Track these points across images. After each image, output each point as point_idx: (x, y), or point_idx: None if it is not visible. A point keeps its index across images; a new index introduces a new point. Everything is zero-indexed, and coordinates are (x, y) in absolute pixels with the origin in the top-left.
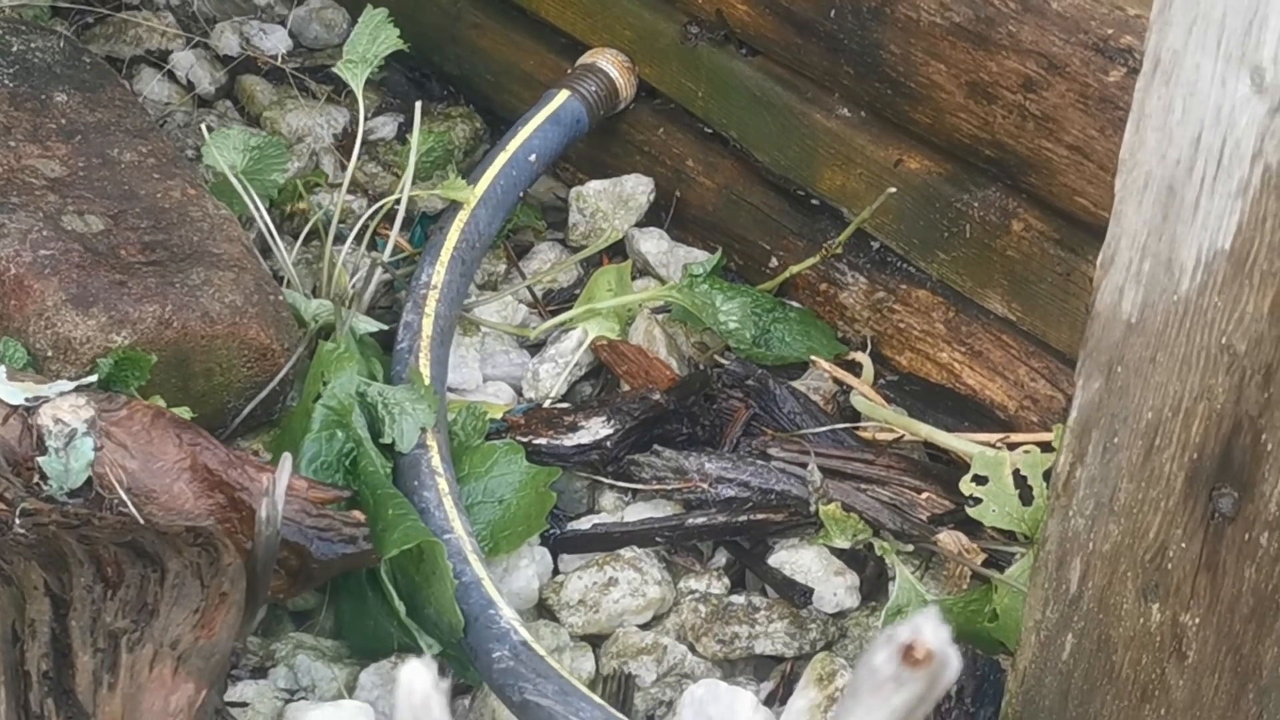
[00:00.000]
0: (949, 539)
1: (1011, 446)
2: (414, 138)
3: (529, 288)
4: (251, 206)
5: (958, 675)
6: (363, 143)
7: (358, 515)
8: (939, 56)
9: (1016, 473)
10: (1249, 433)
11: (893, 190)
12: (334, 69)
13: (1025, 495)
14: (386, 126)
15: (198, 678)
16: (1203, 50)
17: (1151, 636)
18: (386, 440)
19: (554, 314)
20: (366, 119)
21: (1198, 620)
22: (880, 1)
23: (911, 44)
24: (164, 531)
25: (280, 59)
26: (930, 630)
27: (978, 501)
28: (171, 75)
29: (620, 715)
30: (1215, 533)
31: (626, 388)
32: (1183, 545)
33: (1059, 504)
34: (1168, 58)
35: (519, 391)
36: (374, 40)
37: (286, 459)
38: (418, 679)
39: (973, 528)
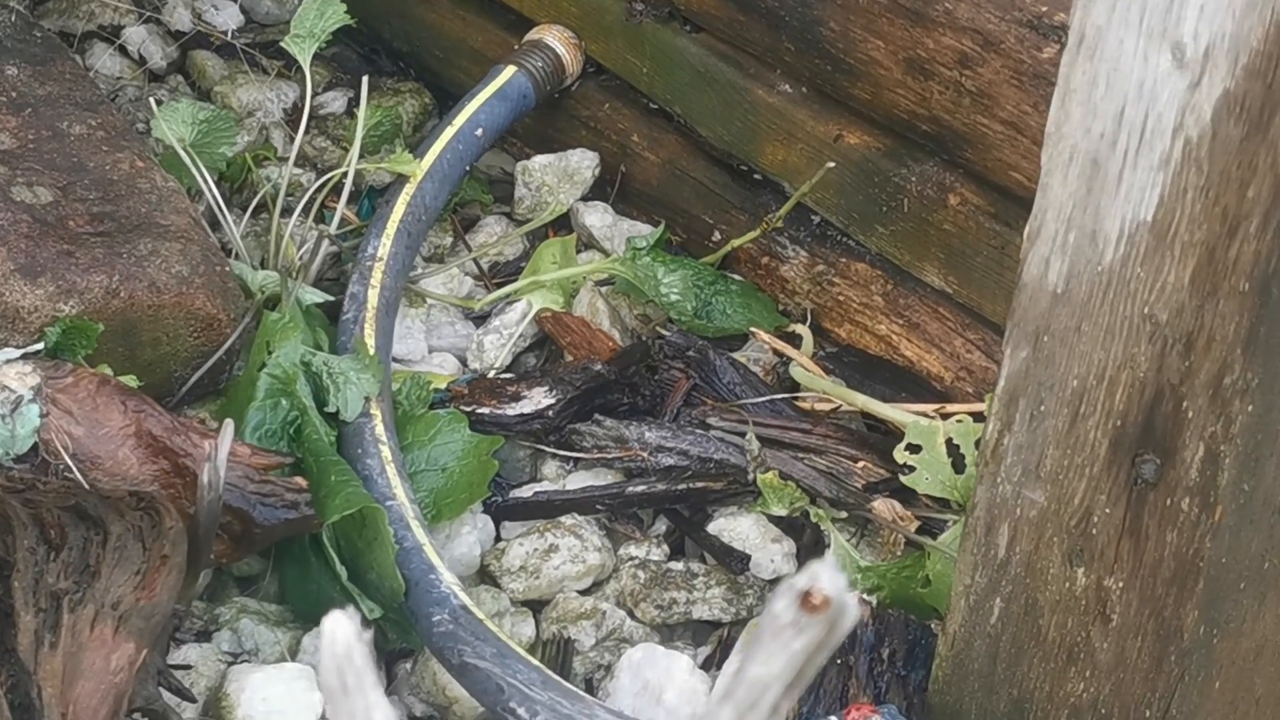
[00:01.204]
0: (883, 506)
1: (946, 416)
2: (361, 112)
3: (475, 260)
4: (199, 179)
5: (856, 621)
6: (312, 117)
7: (300, 481)
8: (877, 33)
9: (950, 441)
10: (1170, 400)
11: (831, 165)
12: (282, 44)
13: (958, 463)
14: (336, 101)
15: (138, 637)
16: (1125, 26)
17: (1077, 600)
18: (331, 409)
19: (500, 286)
20: (316, 94)
21: (1121, 584)
22: None
23: (850, 21)
24: (107, 495)
25: (231, 34)
26: (827, 577)
27: (911, 470)
28: (123, 50)
29: (556, 677)
30: (1138, 498)
31: (570, 359)
32: (1107, 511)
33: (987, 471)
34: (1092, 33)
35: (464, 362)
36: (321, 16)
37: (228, 425)
38: (340, 629)
39: (907, 496)
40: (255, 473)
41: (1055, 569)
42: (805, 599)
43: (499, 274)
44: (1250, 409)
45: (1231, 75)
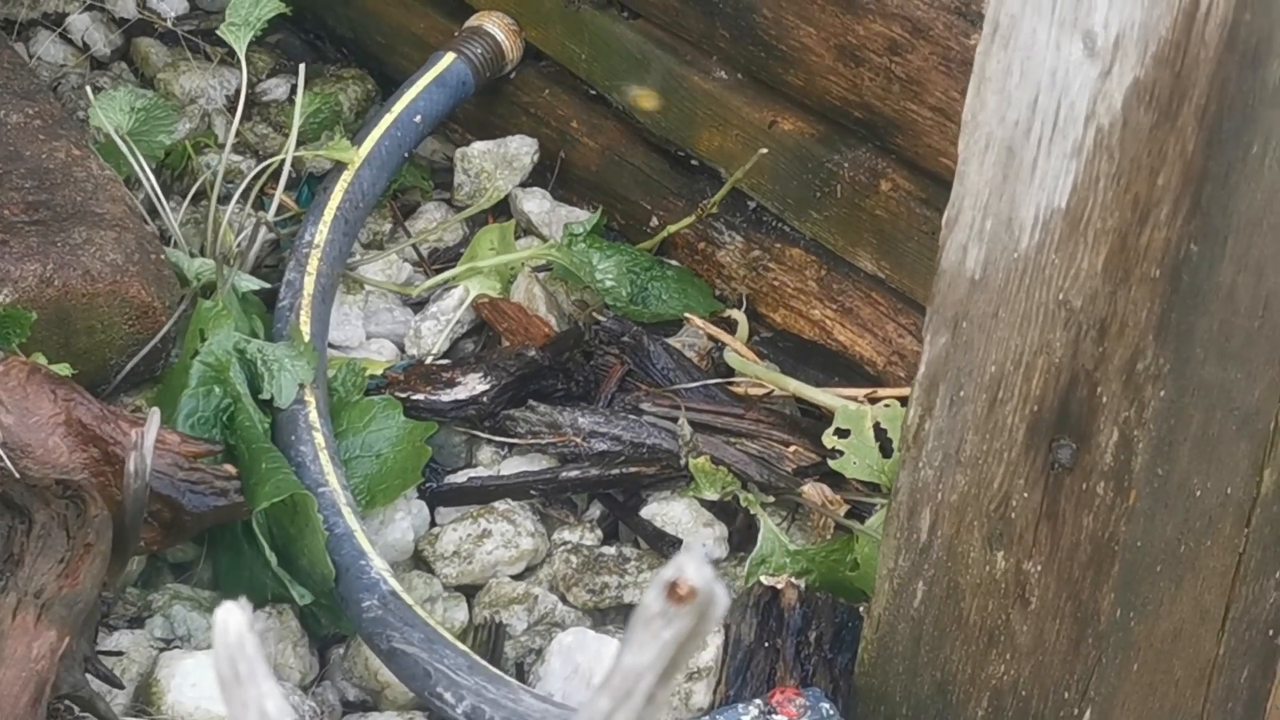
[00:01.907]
0: (813, 491)
1: (875, 401)
2: (298, 100)
3: (414, 246)
4: (137, 167)
5: (727, 609)
6: (254, 104)
7: (229, 469)
8: (809, 20)
9: (878, 426)
10: (1085, 385)
11: (764, 151)
12: (217, 31)
13: (886, 448)
14: (279, 88)
15: (60, 625)
16: (1038, 15)
17: (997, 584)
18: (265, 396)
19: (439, 272)
20: (259, 80)
21: (1039, 567)
22: None
23: (783, 8)
24: (33, 484)
25: (174, 21)
26: (693, 569)
27: (840, 454)
28: (67, 38)
29: (483, 662)
30: (1055, 483)
31: (507, 344)
32: (1025, 495)
33: (909, 456)
34: (1006, 22)
35: (402, 348)
36: (257, 4)
37: (154, 414)
38: (232, 620)
39: (838, 480)
40: (185, 460)
41: (976, 553)
42: (672, 590)
43: (438, 260)
44: (1162, 394)
45: (1141, 64)
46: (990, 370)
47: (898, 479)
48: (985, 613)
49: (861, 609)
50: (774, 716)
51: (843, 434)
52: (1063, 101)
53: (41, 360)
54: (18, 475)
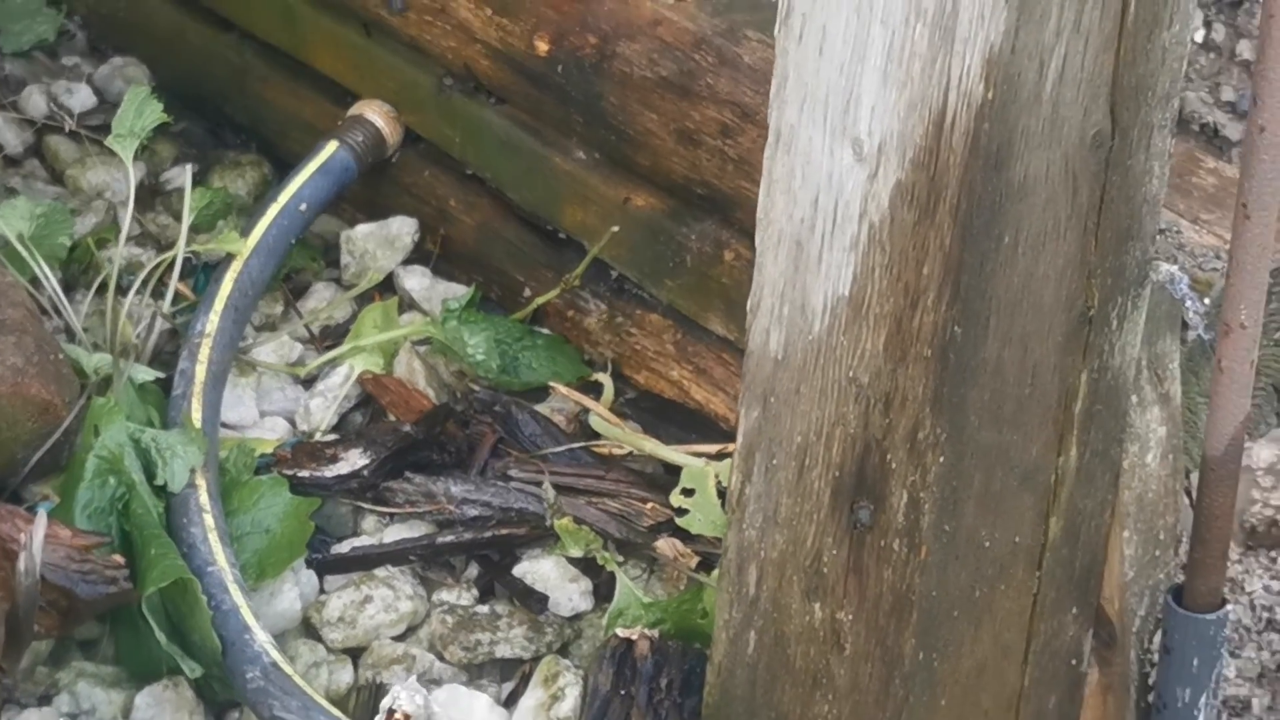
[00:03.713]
0: (665, 545)
1: (726, 456)
2: (186, 196)
3: (306, 325)
4: (38, 270)
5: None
6: (157, 194)
7: (118, 559)
8: (651, 106)
9: (719, 484)
10: (876, 453)
11: (615, 229)
12: (106, 142)
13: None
14: (181, 177)
15: None
16: (813, 124)
17: (816, 632)
18: (160, 481)
19: (330, 349)
20: (164, 169)
21: (851, 616)
22: (599, 57)
23: (627, 95)
24: None
25: (79, 117)
26: (406, 698)
27: (685, 512)
28: None
29: None
30: (858, 540)
31: (391, 417)
32: (834, 551)
33: (734, 517)
34: (786, 131)
35: (293, 424)
36: (140, 115)
37: (41, 515)
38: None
39: (691, 533)
40: (77, 553)
41: (797, 604)
42: (389, 716)
43: (329, 337)
44: (942, 459)
45: (901, 167)
46: (797, 440)
47: (726, 538)
48: (809, 658)
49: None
50: None
51: (689, 493)
52: (839, 201)
53: None
54: None
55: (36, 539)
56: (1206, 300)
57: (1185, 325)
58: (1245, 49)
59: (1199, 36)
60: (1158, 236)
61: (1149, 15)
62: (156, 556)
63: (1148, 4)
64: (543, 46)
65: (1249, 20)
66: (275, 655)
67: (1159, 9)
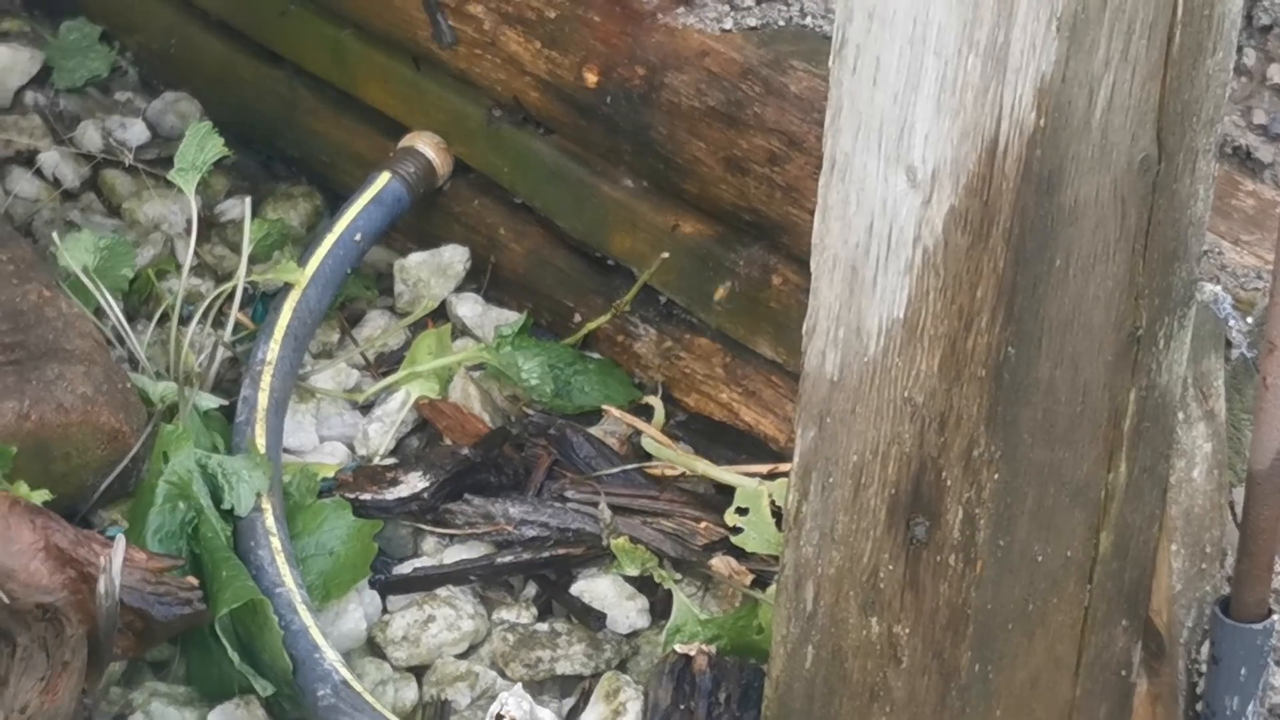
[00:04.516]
0: (720, 564)
1: (777, 476)
2: (246, 228)
3: (362, 353)
4: (103, 301)
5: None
6: (213, 225)
7: (191, 580)
8: (699, 135)
9: (774, 503)
10: (931, 471)
11: (666, 255)
12: (168, 176)
13: (781, 523)
14: (235, 208)
15: None
16: (868, 152)
17: (873, 646)
18: (226, 506)
19: (385, 375)
20: (218, 202)
21: (907, 630)
22: (647, 88)
23: (675, 125)
24: (15, 610)
25: (135, 152)
26: (513, 703)
27: (740, 531)
28: (39, 173)
29: None
30: (914, 556)
31: (447, 441)
32: (890, 567)
33: (791, 535)
34: (841, 159)
35: (352, 449)
36: (201, 149)
37: (120, 540)
38: None
39: (745, 551)
40: (152, 575)
41: (854, 619)
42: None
43: (384, 363)
44: (997, 476)
45: (955, 193)
46: (853, 459)
47: (783, 555)
48: (865, 672)
49: (768, 669)
50: None
51: (743, 512)
52: (893, 226)
53: (24, 488)
54: (6, 600)
55: (116, 562)
56: (1249, 319)
57: (1229, 344)
58: (1276, 73)
59: None
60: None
61: (1193, 44)
62: (228, 579)
63: (1192, 33)
64: (591, 78)
65: (1279, 45)
66: (345, 673)
67: (1203, 38)
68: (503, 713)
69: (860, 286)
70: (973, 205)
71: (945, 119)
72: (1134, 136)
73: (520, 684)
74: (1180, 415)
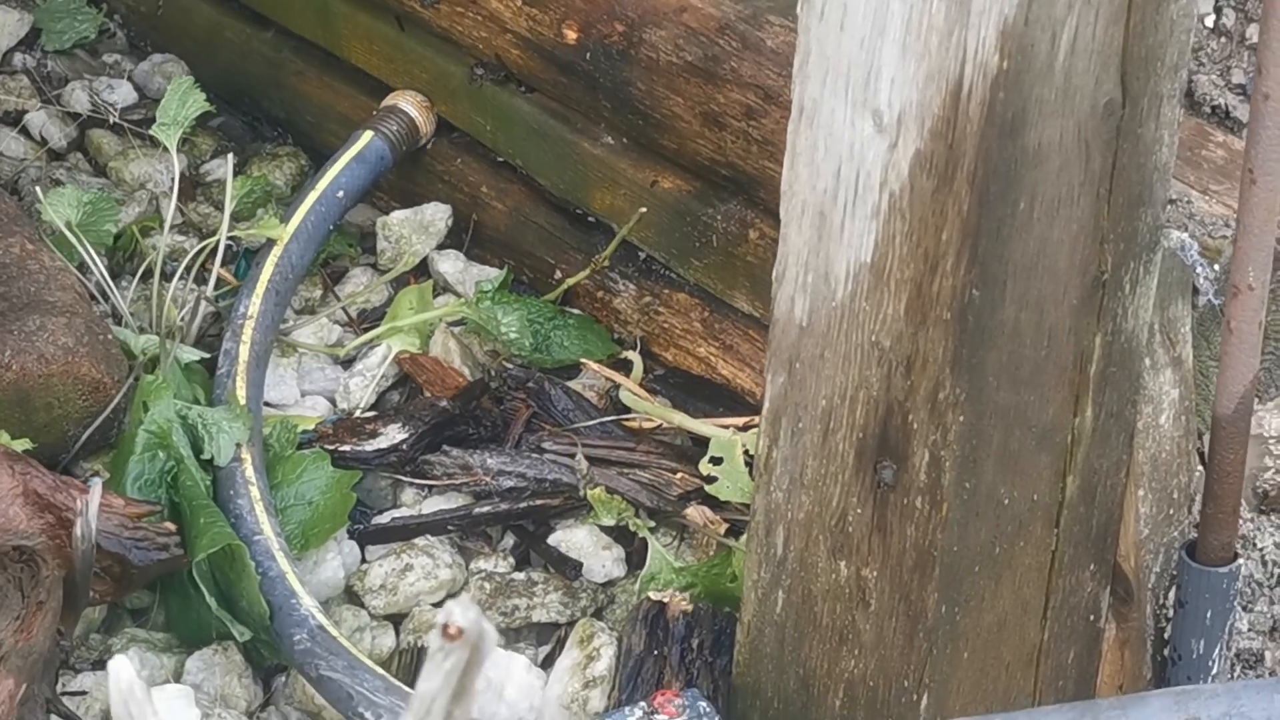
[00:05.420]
0: (695, 513)
1: (751, 428)
2: (228, 185)
3: (344, 308)
4: (86, 255)
5: (496, 642)
6: (198, 184)
7: (169, 526)
8: (677, 91)
9: (747, 453)
10: (898, 414)
11: (644, 210)
12: (150, 132)
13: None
14: (220, 168)
15: (17, 674)
16: (835, 97)
17: (842, 589)
18: (206, 456)
19: (366, 331)
20: (203, 162)
21: (875, 573)
22: (626, 44)
23: (654, 81)
24: None
25: (121, 112)
26: (459, 612)
27: (714, 480)
28: (26, 133)
29: (398, 683)
30: (881, 499)
31: (427, 394)
32: (858, 511)
33: (762, 481)
34: (809, 105)
35: (334, 403)
36: (183, 105)
37: (96, 484)
38: (123, 670)
39: (719, 501)
40: (129, 521)
41: (823, 563)
42: (445, 630)
43: (366, 320)
44: (962, 419)
45: (920, 137)
46: (821, 404)
47: (754, 501)
48: (835, 615)
49: (740, 615)
50: (656, 717)
51: (716, 461)
52: (860, 171)
53: (5, 438)
54: None
55: (92, 507)
56: (1216, 267)
57: (1196, 291)
58: (1255, 33)
59: (1209, 22)
60: (1169, 206)
61: None
62: (206, 525)
63: None
64: (571, 35)
65: (1258, 5)
66: (321, 618)
67: None
68: (449, 621)
69: (828, 231)
70: (937, 148)
71: (910, 63)
72: (1098, 80)
73: (468, 595)
74: (1147, 361)
